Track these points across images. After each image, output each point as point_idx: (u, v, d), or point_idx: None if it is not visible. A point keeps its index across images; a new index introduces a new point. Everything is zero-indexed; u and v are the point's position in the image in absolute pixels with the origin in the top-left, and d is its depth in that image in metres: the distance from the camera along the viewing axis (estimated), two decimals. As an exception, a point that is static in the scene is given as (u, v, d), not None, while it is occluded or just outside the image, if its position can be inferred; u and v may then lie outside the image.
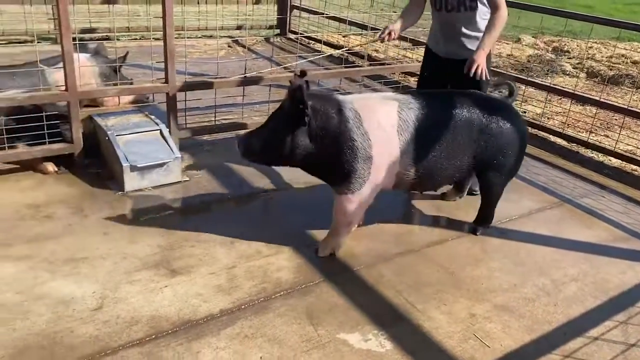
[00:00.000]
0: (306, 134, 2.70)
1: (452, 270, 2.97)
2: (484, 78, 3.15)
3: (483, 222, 3.36)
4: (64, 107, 3.62)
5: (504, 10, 3.21)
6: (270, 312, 2.56)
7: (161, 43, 3.74)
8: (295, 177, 3.75)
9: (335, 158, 2.75)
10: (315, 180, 3.00)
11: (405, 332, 2.50)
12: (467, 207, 3.57)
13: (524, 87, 5.72)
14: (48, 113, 3.52)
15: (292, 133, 2.69)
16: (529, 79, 5.60)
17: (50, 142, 3.55)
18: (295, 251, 3.02)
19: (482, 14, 3.29)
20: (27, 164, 3.59)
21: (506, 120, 3.05)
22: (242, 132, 4.24)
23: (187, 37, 6.84)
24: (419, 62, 4.04)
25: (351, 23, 6.92)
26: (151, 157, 3.49)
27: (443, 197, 3.70)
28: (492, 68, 3.76)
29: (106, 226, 3.09)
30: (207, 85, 3.97)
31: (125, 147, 3.48)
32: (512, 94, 3.32)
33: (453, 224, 3.40)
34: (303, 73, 2.72)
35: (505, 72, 6.02)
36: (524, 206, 3.76)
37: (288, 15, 7.65)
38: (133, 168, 3.41)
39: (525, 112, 5.53)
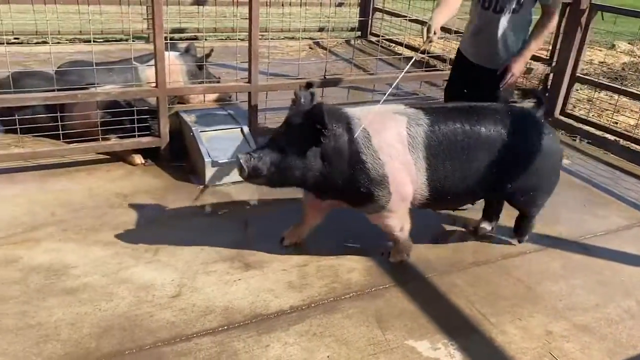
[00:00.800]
0: (318, 155, 2.55)
1: (529, 284, 2.86)
2: (511, 90, 3.08)
3: (523, 234, 3.17)
4: (154, 103, 3.82)
5: (556, 18, 3.07)
6: (339, 312, 2.57)
7: (245, 44, 3.85)
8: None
9: (347, 180, 2.61)
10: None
11: (476, 344, 2.43)
12: (549, 221, 3.41)
13: (617, 97, 5.39)
14: (139, 108, 3.72)
15: (305, 154, 2.53)
16: (623, 87, 5.27)
17: (139, 136, 3.75)
18: (367, 253, 3.02)
19: (525, 22, 3.13)
20: (118, 155, 3.81)
21: (534, 137, 2.81)
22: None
23: (270, 39, 7.01)
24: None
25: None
26: (232, 154, 3.61)
27: (475, 232, 3.27)
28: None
29: (187, 218, 3.23)
30: (288, 86, 4.04)
31: (208, 143, 3.62)
32: (541, 105, 2.96)
33: (532, 237, 3.26)
34: (309, 85, 2.63)
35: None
36: (611, 222, 3.54)
37: (370, 17, 7.64)
38: (214, 163, 3.54)
39: (617, 123, 5.21)
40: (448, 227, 3.35)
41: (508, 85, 3.17)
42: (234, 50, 4.25)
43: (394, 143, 2.64)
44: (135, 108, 3.70)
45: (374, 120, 2.64)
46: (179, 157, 3.87)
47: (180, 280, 2.69)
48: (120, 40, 6.78)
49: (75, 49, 6.07)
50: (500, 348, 2.41)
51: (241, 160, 2.52)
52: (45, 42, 6.33)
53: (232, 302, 2.58)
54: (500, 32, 3.11)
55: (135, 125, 3.71)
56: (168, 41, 3.85)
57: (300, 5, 7.50)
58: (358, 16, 7.83)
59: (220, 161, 3.55)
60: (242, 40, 7.15)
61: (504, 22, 3.09)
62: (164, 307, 2.51)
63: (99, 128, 3.67)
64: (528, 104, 3.07)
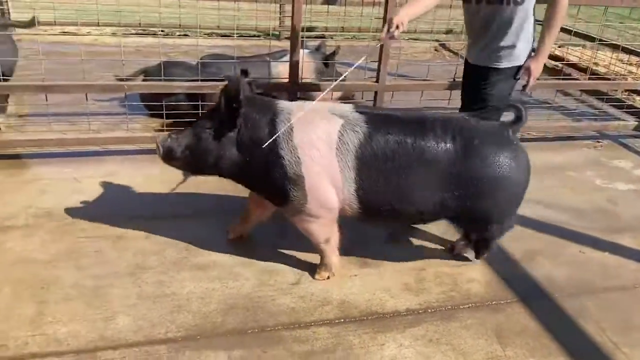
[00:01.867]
0: (234, 143, 2.42)
1: (671, 318, 2.60)
2: (528, 93, 2.74)
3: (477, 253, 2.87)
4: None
5: (562, 1, 2.62)
6: (456, 321, 2.51)
7: (370, 43, 3.87)
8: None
9: (263, 174, 2.45)
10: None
11: (605, 375, 2.26)
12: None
13: None
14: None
15: (219, 139, 2.41)
16: None
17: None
18: (488, 266, 2.92)
19: (528, 15, 2.72)
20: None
21: (492, 157, 2.45)
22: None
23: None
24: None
25: (576, 34, 6.39)
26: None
27: (450, 251, 2.99)
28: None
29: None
30: (416, 87, 4.02)
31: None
32: (520, 119, 2.56)
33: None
34: (245, 72, 2.47)
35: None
36: None
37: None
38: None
39: None
40: (571, 246, 3.14)
41: (529, 88, 2.85)
42: (359, 50, 4.30)
43: (319, 145, 2.41)
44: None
45: (306, 117, 2.44)
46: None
47: (300, 269, 2.77)
48: (253, 36, 7.13)
49: (212, 43, 6.46)
50: (634, 383, 2.23)
51: (157, 140, 2.48)
52: (186, 35, 6.83)
53: (348, 297, 2.61)
54: (494, 29, 2.75)
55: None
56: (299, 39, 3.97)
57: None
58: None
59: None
60: (364, 40, 7.25)
61: (501, 15, 2.71)
62: (284, 292, 2.60)
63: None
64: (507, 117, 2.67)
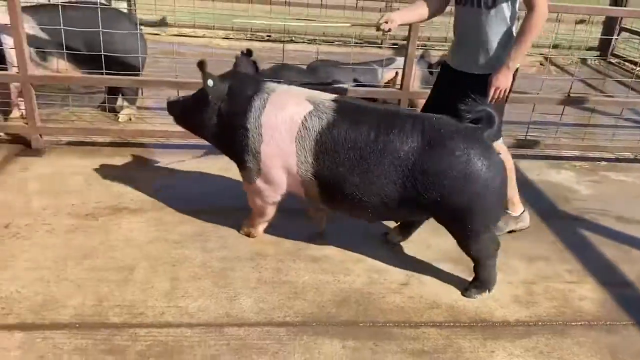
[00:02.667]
0: (215, 111, 2.71)
1: None
2: (504, 102, 2.69)
3: (477, 286, 2.70)
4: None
5: (542, 8, 2.50)
6: (568, 337, 2.48)
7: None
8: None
9: (230, 141, 2.72)
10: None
11: None
12: None
13: None
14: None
15: (205, 106, 2.72)
16: None
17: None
18: (601, 285, 2.85)
19: (507, 19, 2.66)
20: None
21: (464, 153, 2.38)
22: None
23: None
24: None
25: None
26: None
27: (385, 236, 3.08)
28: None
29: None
30: (529, 100, 3.98)
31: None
32: (491, 124, 2.45)
33: None
34: (249, 52, 2.81)
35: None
36: None
37: (614, 37, 7.05)
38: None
39: None
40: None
41: (497, 101, 2.70)
42: None
43: (280, 126, 2.59)
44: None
45: (280, 99, 2.65)
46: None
47: (408, 271, 2.85)
48: (356, 44, 7.28)
49: (315, 49, 6.68)
50: None
51: (169, 98, 2.96)
52: (292, 41, 7.10)
53: (457, 302, 2.65)
54: (474, 32, 2.71)
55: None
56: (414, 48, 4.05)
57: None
58: (600, 35, 7.28)
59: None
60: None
61: (480, 18, 2.67)
62: (394, 291, 2.69)
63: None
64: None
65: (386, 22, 2.76)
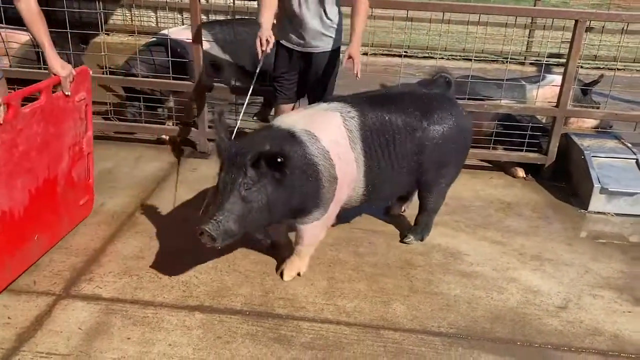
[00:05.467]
0: (275, 184, 2.37)
1: None
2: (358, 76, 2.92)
3: (419, 232, 3.09)
4: (544, 121, 3.95)
5: None
6: None
7: (625, 74, 3.62)
8: None
9: (301, 191, 2.48)
10: None
11: None
12: None
13: None
14: (533, 124, 3.90)
15: (266, 192, 2.37)
16: None
17: (526, 151, 3.92)
18: None
19: None
20: (500, 165, 4.07)
21: (446, 117, 2.83)
22: None
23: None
24: None
25: None
26: (623, 184, 3.48)
27: (387, 210, 3.35)
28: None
29: (569, 238, 3.26)
30: None
31: (599, 168, 3.56)
32: (450, 85, 2.99)
33: None
34: (220, 112, 2.49)
35: None
36: None
37: None
38: (603, 190, 3.46)
39: None
40: None
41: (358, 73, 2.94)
42: (614, 80, 4.05)
43: (340, 139, 2.60)
44: (530, 124, 3.88)
45: (312, 121, 2.60)
46: (559, 178, 3.91)
47: (566, 294, 2.75)
48: (495, 61, 7.14)
49: (456, 65, 6.65)
50: None
51: (208, 230, 2.26)
52: (432, 57, 7.12)
53: (621, 331, 2.52)
54: (316, 12, 3.04)
55: (526, 140, 3.89)
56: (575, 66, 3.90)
57: None
58: None
59: (610, 189, 3.45)
60: (619, 69, 6.73)
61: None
62: (551, 314, 2.61)
63: (492, 138, 3.98)
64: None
65: (267, 42, 2.89)
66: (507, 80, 4.66)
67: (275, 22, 3.07)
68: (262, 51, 2.88)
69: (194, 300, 2.58)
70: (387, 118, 2.72)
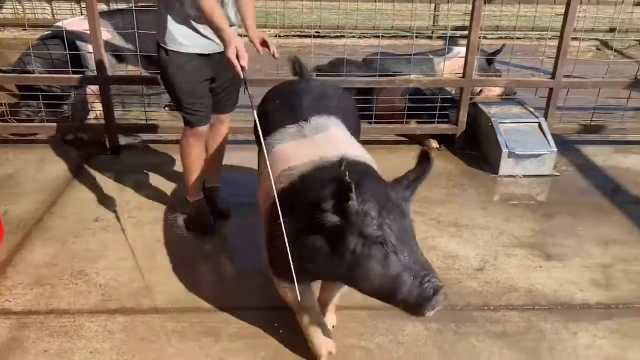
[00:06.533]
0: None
1: None
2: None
3: None
4: (453, 93, 4.08)
5: None
6: (653, 319, 2.47)
7: (524, 42, 3.81)
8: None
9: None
10: None
11: None
12: None
13: None
14: (442, 96, 4.02)
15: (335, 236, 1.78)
16: None
17: (438, 122, 4.05)
18: (683, 268, 2.81)
19: None
20: (415, 139, 4.17)
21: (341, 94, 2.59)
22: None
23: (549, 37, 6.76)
24: None
25: None
26: (529, 147, 3.67)
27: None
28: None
29: (483, 202, 3.41)
30: (594, 85, 3.92)
31: (505, 134, 3.73)
32: (302, 69, 2.75)
33: None
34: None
35: None
36: None
37: (675, 17, 6.81)
38: (511, 154, 3.64)
39: None
40: None
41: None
42: (514, 49, 4.27)
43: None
44: (439, 96, 4.00)
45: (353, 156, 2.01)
46: (471, 146, 4.07)
47: (482, 256, 2.88)
48: (405, 36, 7.28)
49: (367, 43, 6.73)
50: None
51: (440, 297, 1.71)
52: (343, 36, 7.16)
53: (534, 286, 2.67)
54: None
55: (437, 112, 4.01)
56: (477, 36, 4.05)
57: (589, 3, 7.05)
58: (659, 16, 7.04)
59: (517, 152, 3.63)
60: (519, 38, 7.07)
61: None
62: (470, 277, 2.72)
63: (404, 112, 4.07)
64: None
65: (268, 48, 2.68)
66: (416, 54, 4.80)
67: (167, 29, 2.58)
68: (242, 67, 2.29)
69: (114, 304, 2.47)
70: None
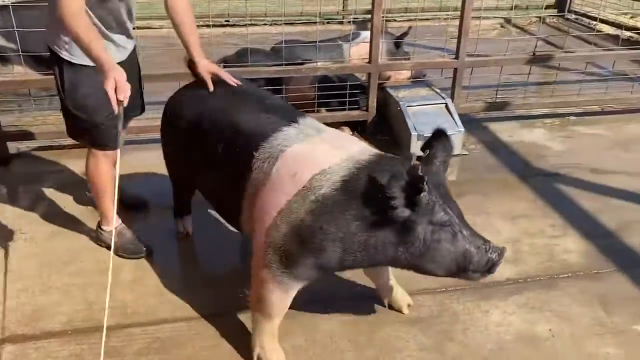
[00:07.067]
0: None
1: None
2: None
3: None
4: (363, 79, 4.05)
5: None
6: (557, 289, 2.55)
7: (433, 23, 3.87)
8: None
9: None
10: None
11: None
12: None
13: None
14: (351, 83, 3.98)
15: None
16: None
17: (349, 109, 4.01)
18: (583, 237, 2.92)
19: None
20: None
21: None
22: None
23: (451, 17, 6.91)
24: None
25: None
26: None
27: None
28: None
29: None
30: (496, 63, 4.01)
31: (414, 117, 3.75)
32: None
33: None
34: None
35: None
36: None
37: (570, -7, 7.15)
38: (420, 137, 3.66)
39: None
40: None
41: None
42: (422, 30, 4.31)
43: None
44: (348, 83, 3.95)
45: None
46: (382, 131, 4.06)
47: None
48: (316, 22, 7.21)
49: (279, 30, 6.58)
50: None
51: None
52: (254, 24, 6.99)
53: (446, 268, 2.68)
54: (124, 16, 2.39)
55: (347, 99, 3.97)
56: (380, 20, 4.02)
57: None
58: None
59: (425, 135, 3.65)
60: (426, 20, 7.19)
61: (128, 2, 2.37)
62: (384, 264, 2.70)
63: (315, 101, 4.00)
64: None
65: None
66: (324, 41, 4.72)
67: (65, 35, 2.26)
68: (119, 102, 2.04)
69: (2, 332, 2.25)
70: None
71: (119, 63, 2.15)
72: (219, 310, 2.38)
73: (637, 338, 2.27)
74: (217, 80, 2.42)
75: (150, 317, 2.34)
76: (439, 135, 1.95)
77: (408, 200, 1.74)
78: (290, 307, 2.29)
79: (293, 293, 2.02)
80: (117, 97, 2.02)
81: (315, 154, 1.96)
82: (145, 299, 2.44)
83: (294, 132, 2.05)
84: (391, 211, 1.75)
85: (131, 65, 2.51)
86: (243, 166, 2.04)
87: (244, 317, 2.33)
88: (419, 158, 2.00)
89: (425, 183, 1.70)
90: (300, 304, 2.39)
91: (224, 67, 4.12)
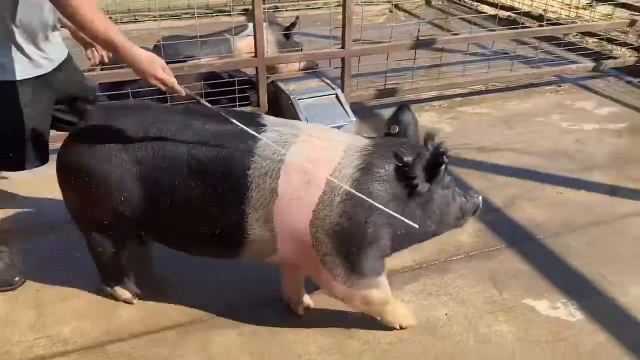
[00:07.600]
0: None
1: (650, 245, 2.75)
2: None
3: None
4: (251, 73, 3.93)
5: None
6: (451, 272, 2.60)
7: (322, 12, 3.84)
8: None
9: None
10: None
11: (597, 305, 2.38)
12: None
13: None
14: (239, 78, 3.84)
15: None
16: None
17: (240, 106, 3.87)
18: (475, 216, 2.99)
19: None
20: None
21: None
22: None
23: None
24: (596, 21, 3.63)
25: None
26: (329, 119, 3.66)
27: None
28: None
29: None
30: (382, 50, 4.03)
31: (305, 110, 3.68)
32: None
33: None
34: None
35: None
36: None
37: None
38: (313, 130, 3.60)
39: None
40: (548, 188, 3.26)
41: None
42: (313, 19, 4.27)
43: None
44: (236, 79, 3.81)
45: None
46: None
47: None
48: (204, 15, 6.95)
49: (165, 25, 6.27)
50: (625, 308, 2.36)
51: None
52: (138, 21, 6.61)
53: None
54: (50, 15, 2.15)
55: (236, 95, 3.83)
56: (262, 13, 3.90)
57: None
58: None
59: (318, 127, 3.60)
60: (316, 8, 7.18)
61: None
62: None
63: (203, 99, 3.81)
64: None
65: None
66: (206, 36, 4.53)
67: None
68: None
69: None
70: None
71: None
72: (104, 339, 2.18)
73: (527, 312, 2.36)
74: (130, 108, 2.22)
75: (25, 356, 2.11)
76: (403, 109, 2.16)
77: (430, 174, 1.92)
78: (181, 324, 2.18)
79: (382, 270, 2.08)
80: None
81: (316, 154, 1.93)
82: (20, 334, 2.20)
83: (275, 137, 1.93)
84: (417, 186, 1.91)
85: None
86: (234, 190, 1.89)
87: (129, 345, 2.16)
88: (388, 133, 2.15)
89: (446, 156, 1.91)
90: (192, 319, 2.29)
91: (101, 70, 3.86)
